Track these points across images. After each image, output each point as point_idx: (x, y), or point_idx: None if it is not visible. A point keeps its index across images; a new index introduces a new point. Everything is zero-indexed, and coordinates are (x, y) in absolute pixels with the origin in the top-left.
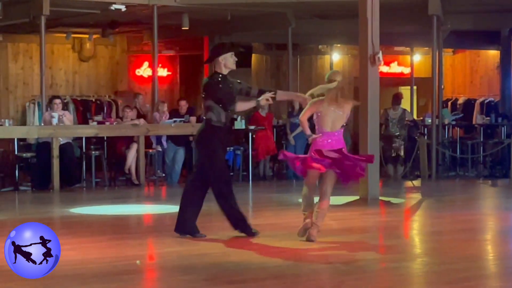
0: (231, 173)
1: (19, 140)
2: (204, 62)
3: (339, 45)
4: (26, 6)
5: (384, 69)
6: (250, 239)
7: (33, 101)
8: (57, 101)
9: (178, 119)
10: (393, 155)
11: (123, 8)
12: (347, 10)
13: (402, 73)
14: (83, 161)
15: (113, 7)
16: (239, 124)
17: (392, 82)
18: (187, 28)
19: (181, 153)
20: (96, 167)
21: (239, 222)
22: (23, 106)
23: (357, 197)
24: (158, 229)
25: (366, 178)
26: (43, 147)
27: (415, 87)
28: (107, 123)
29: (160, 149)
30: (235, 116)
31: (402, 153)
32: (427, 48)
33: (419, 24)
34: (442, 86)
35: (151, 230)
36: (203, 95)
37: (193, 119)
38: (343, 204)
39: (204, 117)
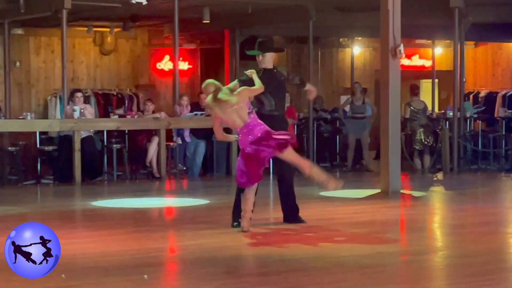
0: None
1: (41, 133)
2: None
3: (360, 38)
4: (48, 0)
5: (405, 62)
6: (270, 233)
7: (54, 95)
8: (79, 94)
9: (199, 113)
10: (420, 147)
11: (144, 1)
12: (368, 3)
13: (423, 66)
14: (105, 154)
15: (134, 0)
16: None
17: (413, 75)
18: (208, 22)
19: (202, 146)
20: (117, 160)
21: (293, 213)
22: (45, 99)
23: (378, 190)
24: (179, 222)
25: (387, 171)
26: (65, 141)
27: (436, 80)
28: (128, 117)
29: (180, 142)
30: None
31: (431, 143)
32: (448, 40)
33: (440, 16)
34: (464, 79)
35: (172, 223)
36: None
37: None
38: (364, 197)
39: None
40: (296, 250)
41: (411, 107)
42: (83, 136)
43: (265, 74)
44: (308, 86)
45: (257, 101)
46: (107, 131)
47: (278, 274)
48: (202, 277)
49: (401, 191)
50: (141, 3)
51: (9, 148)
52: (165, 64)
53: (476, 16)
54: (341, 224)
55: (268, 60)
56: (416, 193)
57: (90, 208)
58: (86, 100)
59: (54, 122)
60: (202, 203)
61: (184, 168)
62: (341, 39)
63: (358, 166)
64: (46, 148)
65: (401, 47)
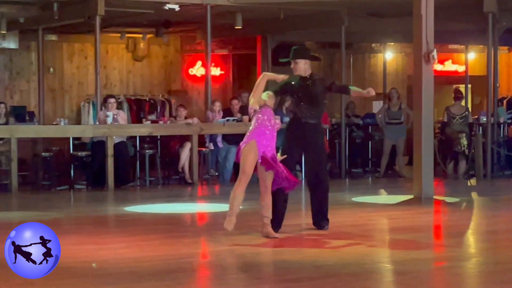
0: None
1: (74, 139)
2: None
3: (392, 43)
4: (81, 6)
5: (438, 67)
6: (302, 238)
7: (88, 101)
8: (112, 100)
9: (230, 118)
10: (458, 150)
11: (176, 7)
12: (401, 8)
13: (456, 71)
14: (137, 160)
15: (167, 6)
16: None
17: (446, 80)
18: (240, 27)
19: (233, 152)
20: (150, 166)
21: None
22: (78, 105)
23: (411, 196)
24: (211, 227)
25: (420, 177)
26: (98, 146)
27: (469, 85)
28: (161, 122)
29: (213, 148)
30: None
31: (465, 150)
32: (482, 46)
33: (474, 21)
34: (498, 84)
35: (205, 228)
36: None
37: (245, 118)
38: (396, 203)
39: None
40: (329, 256)
41: (449, 112)
42: (116, 141)
43: (299, 82)
44: (366, 91)
45: (290, 111)
46: (140, 136)
47: (311, 280)
48: (235, 283)
49: (434, 197)
50: (174, 9)
51: (43, 153)
52: (198, 70)
53: (510, 21)
54: (374, 230)
55: (301, 67)
56: (449, 199)
57: (123, 213)
58: (119, 106)
59: (87, 128)
60: None
61: (216, 173)
62: (373, 45)
63: (390, 172)
64: (79, 153)
65: (434, 53)
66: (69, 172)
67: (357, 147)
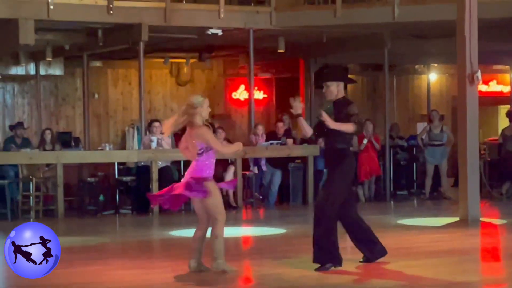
0: None
1: (119, 164)
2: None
3: (436, 64)
4: (125, 33)
5: (483, 88)
6: (346, 263)
7: (132, 125)
8: (156, 124)
9: (274, 141)
10: None
11: (219, 32)
12: (444, 29)
13: (501, 92)
14: None
15: (210, 31)
16: None
17: (491, 101)
18: (282, 51)
19: (277, 175)
20: None
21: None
22: (122, 130)
23: (457, 218)
24: (256, 251)
25: (466, 198)
26: (143, 171)
27: None
28: None
29: (257, 172)
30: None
31: None
32: None
33: None
34: None
35: (249, 252)
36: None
37: (289, 141)
38: (442, 225)
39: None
40: (375, 279)
41: (503, 133)
42: (160, 166)
43: (332, 107)
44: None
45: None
46: (184, 161)
47: None
48: None
49: (481, 219)
50: (217, 34)
51: (88, 179)
52: (241, 93)
53: None
54: (420, 253)
55: (331, 91)
56: (496, 221)
57: (168, 237)
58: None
59: (132, 152)
60: (278, 233)
61: (261, 197)
62: (416, 66)
63: (435, 194)
64: (124, 178)
65: (479, 73)
66: (114, 197)
67: (401, 169)
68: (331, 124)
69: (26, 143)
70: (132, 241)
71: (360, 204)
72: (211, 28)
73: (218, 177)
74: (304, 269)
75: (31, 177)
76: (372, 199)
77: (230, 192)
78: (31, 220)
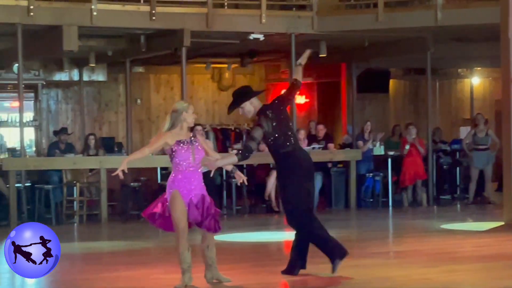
0: (371, 199)
1: (162, 169)
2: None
3: (479, 68)
4: (167, 38)
5: None
6: (390, 265)
7: None
8: (199, 128)
9: (316, 146)
10: None
11: (261, 37)
12: (487, 33)
13: None
14: (224, 189)
15: (252, 36)
16: (378, 150)
17: None
18: (324, 55)
19: (319, 180)
20: (236, 194)
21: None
22: None
23: (502, 223)
24: None
25: (510, 202)
26: None
27: None
28: None
29: None
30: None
31: None
32: None
33: None
34: None
35: None
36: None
37: (330, 145)
38: (486, 230)
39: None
40: (418, 284)
41: None
42: (203, 170)
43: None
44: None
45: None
46: None
47: None
48: None
49: None
50: (259, 39)
51: (132, 184)
52: None
53: None
54: (464, 257)
55: (248, 110)
56: None
57: None
58: (205, 135)
59: None
60: None
61: None
62: (459, 70)
63: (479, 198)
64: (166, 183)
65: None
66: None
67: (444, 173)
68: (218, 163)
69: (70, 148)
70: (175, 246)
71: (403, 209)
72: (253, 33)
73: (261, 182)
74: (344, 274)
75: (75, 182)
76: (420, 203)
77: (272, 197)
78: (75, 225)
